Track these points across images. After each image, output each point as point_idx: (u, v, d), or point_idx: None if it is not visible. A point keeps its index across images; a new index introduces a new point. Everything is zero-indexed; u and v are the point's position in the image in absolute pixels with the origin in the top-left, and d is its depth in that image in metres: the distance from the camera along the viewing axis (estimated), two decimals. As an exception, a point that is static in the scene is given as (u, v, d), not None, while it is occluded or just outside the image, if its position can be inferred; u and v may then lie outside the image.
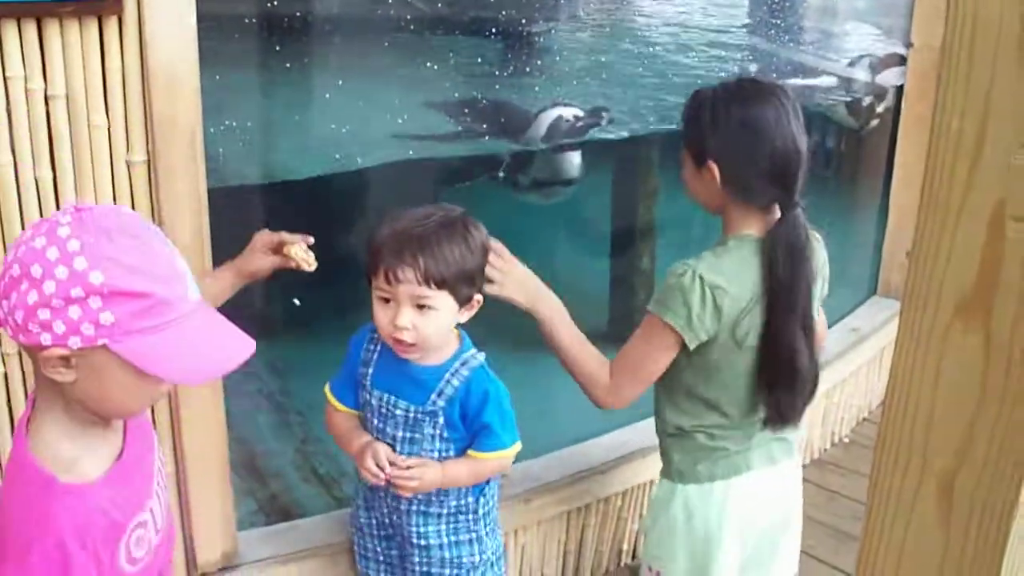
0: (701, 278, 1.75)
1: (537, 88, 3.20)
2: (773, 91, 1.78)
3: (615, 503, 2.49)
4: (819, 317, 1.94)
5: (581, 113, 3.03)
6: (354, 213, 3.31)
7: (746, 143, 1.75)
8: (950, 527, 0.90)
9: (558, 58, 3.54)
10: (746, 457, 1.89)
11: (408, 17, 2.94)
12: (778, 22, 3.69)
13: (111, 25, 1.60)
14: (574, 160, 3.40)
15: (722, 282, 1.76)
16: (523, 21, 3.24)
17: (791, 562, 2.04)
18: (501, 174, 3.41)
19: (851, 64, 3.87)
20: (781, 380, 1.81)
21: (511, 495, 2.29)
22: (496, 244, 1.85)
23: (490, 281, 1.83)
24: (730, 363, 1.82)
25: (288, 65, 2.78)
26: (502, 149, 3.25)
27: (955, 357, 0.85)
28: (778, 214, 1.79)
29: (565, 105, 3.04)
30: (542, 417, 2.97)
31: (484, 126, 3.10)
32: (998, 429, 0.84)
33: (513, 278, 1.89)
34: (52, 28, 1.56)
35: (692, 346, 1.78)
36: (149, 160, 1.69)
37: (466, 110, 3.07)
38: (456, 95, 3.05)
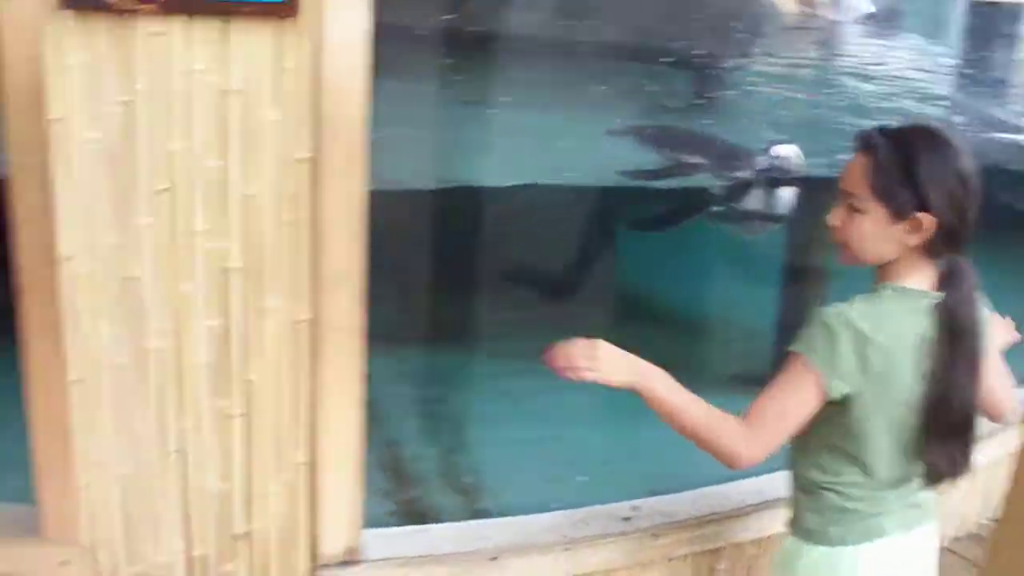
0: (851, 324, 1.67)
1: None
2: (958, 140, 1.70)
3: (749, 551, 2.40)
4: (1003, 368, 1.91)
5: (800, 153, 3.05)
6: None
7: (961, 195, 1.68)
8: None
9: (752, 97, 3.58)
10: (879, 522, 1.78)
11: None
12: (974, 72, 3.52)
13: (288, 28, 1.68)
14: (786, 196, 3.37)
15: (871, 332, 1.67)
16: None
17: None
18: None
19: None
20: (954, 433, 1.73)
21: (638, 528, 2.24)
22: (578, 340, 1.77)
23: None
24: (876, 420, 1.72)
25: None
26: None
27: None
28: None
29: (785, 144, 3.08)
30: (676, 450, 2.91)
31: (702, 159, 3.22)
32: None
33: (603, 363, 1.75)
34: (235, 26, 1.66)
35: (834, 394, 1.68)
36: (313, 158, 1.77)
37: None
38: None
